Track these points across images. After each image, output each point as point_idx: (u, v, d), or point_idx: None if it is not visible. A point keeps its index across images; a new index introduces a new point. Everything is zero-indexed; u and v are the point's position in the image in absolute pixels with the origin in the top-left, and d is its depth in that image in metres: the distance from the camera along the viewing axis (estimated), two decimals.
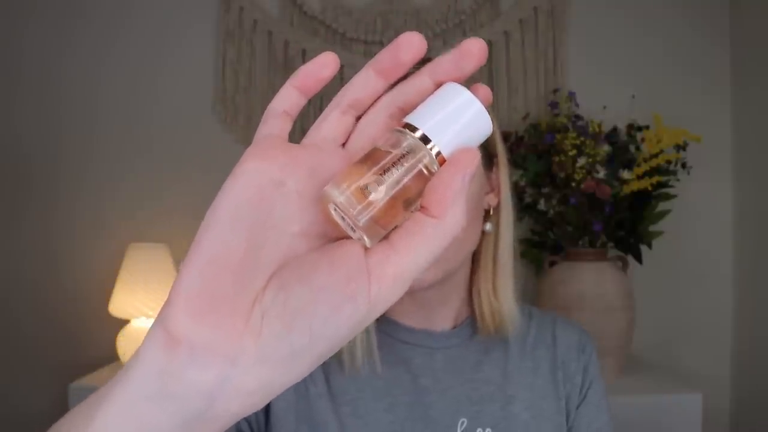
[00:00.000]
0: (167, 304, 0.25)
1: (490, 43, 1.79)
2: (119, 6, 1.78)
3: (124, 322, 1.56)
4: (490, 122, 0.28)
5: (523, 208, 1.61)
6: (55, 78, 1.77)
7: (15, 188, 1.77)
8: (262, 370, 0.25)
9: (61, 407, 1.60)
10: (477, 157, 0.27)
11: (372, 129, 0.29)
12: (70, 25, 1.77)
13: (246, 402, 0.25)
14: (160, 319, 0.25)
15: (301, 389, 0.67)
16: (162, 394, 0.25)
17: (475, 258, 0.72)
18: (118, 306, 1.51)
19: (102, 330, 1.67)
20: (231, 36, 1.77)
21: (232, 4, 1.76)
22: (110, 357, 1.64)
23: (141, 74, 1.77)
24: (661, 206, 1.61)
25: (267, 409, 0.67)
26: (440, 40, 1.77)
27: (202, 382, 0.24)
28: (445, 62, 0.28)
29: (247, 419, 0.66)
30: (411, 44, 0.27)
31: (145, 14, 1.78)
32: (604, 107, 1.66)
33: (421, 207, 0.26)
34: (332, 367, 0.68)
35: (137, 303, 1.49)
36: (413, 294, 0.69)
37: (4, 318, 1.74)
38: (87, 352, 1.71)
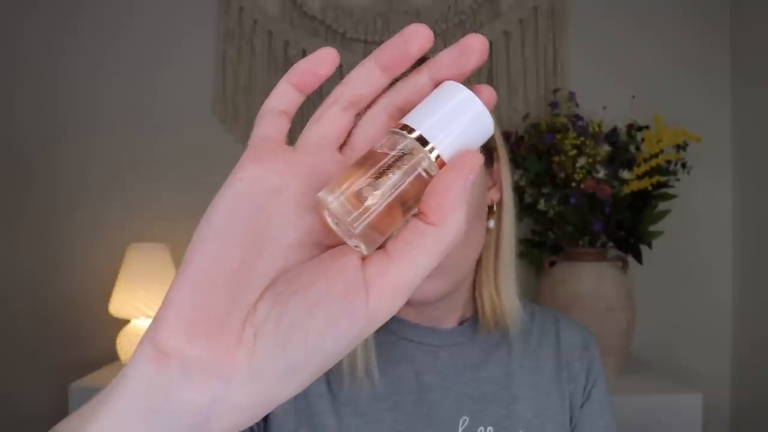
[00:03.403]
0: (158, 320, 0.24)
1: (490, 43, 1.79)
2: (119, 6, 1.78)
3: (124, 322, 1.56)
4: (492, 122, 0.26)
5: (523, 208, 1.61)
6: (55, 78, 1.77)
7: (15, 188, 1.77)
8: (257, 387, 0.24)
9: (61, 407, 1.60)
10: (480, 161, 0.25)
11: (372, 130, 0.28)
12: (70, 24, 1.77)
13: (241, 418, 0.24)
14: (151, 336, 0.24)
15: None
16: (153, 411, 0.24)
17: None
18: (118, 306, 1.51)
19: (102, 330, 1.67)
20: (231, 36, 1.77)
21: (232, 4, 1.76)
22: (110, 357, 1.64)
23: (141, 74, 1.77)
24: (661, 206, 1.61)
25: None
26: (440, 40, 1.77)
27: (195, 400, 0.23)
28: (444, 59, 0.26)
29: None
30: (417, 35, 0.26)
31: (145, 14, 1.78)
32: (604, 107, 1.66)
33: (419, 213, 0.25)
34: (334, 366, 0.68)
35: (137, 303, 1.49)
36: (421, 306, 0.69)
37: (4, 318, 1.74)
38: (87, 352, 1.71)
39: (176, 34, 1.78)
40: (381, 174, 0.24)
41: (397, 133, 0.25)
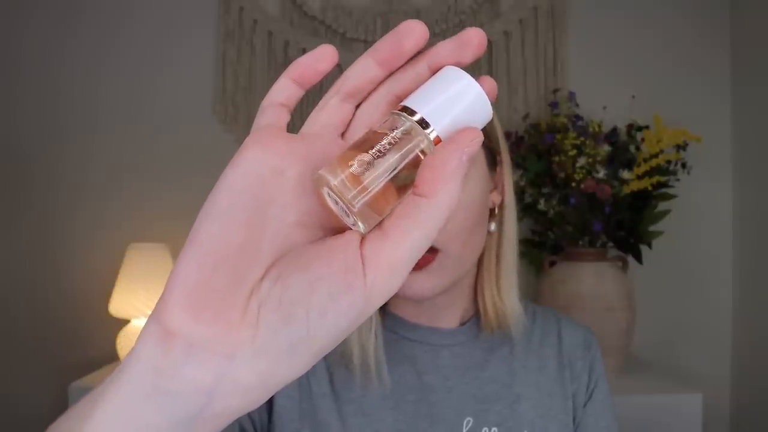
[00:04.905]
0: (162, 299, 0.25)
1: (490, 43, 1.79)
2: (119, 6, 1.78)
3: (124, 322, 1.56)
4: (490, 107, 0.27)
5: (523, 208, 1.61)
6: (55, 78, 1.77)
7: (15, 188, 1.77)
8: (261, 365, 0.24)
9: (61, 407, 1.60)
10: (479, 138, 0.25)
11: (372, 118, 0.29)
12: (71, 25, 1.77)
13: (246, 398, 0.25)
14: (156, 315, 0.25)
15: (304, 387, 0.67)
16: (158, 392, 0.24)
17: (479, 257, 0.70)
18: (118, 306, 1.51)
19: (102, 330, 1.67)
20: (231, 36, 1.77)
21: (232, 4, 1.76)
22: (110, 357, 1.64)
23: (141, 74, 1.77)
24: (661, 206, 1.61)
25: (270, 407, 0.66)
26: (440, 40, 1.77)
27: (199, 379, 0.24)
28: (443, 50, 0.27)
29: (250, 417, 0.65)
30: (412, 32, 0.27)
31: (145, 14, 1.78)
32: (604, 107, 1.66)
33: (414, 186, 0.25)
34: (337, 365, 0.68)
35: (137, 303, 1.49)
36: (421, 302, 0.69)
37: (4, 318, 1.74)
38: (87, 352, 1.71)
39: (176, 34, 1.78)
40: (381, 153, 0.25)
41: (397, 115, 0.26)
